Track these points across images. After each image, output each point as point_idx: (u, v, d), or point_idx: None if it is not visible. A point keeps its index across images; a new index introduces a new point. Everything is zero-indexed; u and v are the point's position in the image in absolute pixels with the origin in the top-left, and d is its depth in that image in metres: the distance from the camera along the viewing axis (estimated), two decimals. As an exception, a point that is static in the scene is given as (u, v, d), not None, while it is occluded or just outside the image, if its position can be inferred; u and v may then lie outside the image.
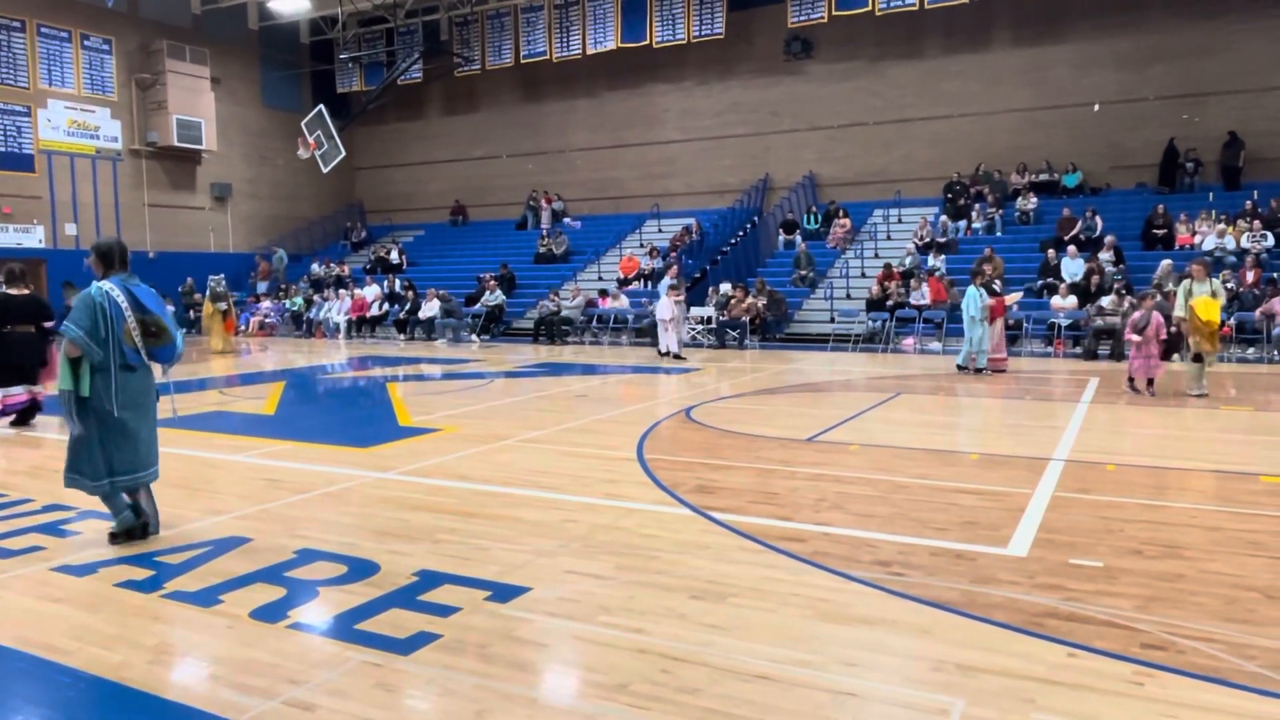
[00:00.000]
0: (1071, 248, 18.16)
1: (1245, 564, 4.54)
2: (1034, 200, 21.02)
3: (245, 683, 3.32)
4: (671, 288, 16.15)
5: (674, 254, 22.39)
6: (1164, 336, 10.68)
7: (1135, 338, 10.54)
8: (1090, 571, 4.43)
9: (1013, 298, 15.35)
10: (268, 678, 3.36)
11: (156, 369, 5.26)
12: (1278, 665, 3.36)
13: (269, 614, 3.99)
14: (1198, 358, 10.45)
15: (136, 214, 25.48)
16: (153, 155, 25.66)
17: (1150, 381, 10.63)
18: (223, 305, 18.97)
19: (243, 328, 23.86)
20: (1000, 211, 21.05)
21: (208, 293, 19.28)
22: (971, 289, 13.34)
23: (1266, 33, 19.33)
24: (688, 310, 18.05)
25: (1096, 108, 21.12)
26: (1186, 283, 10.87)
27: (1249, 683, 3.22)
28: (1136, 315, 10.72)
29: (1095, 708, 3.05)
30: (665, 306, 15.98)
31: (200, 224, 27.27)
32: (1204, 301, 10.37)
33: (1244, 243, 17.35)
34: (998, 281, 14.72)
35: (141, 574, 4.54)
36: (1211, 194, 19.62)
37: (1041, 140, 21.84)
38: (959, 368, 13.48)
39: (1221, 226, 17.89)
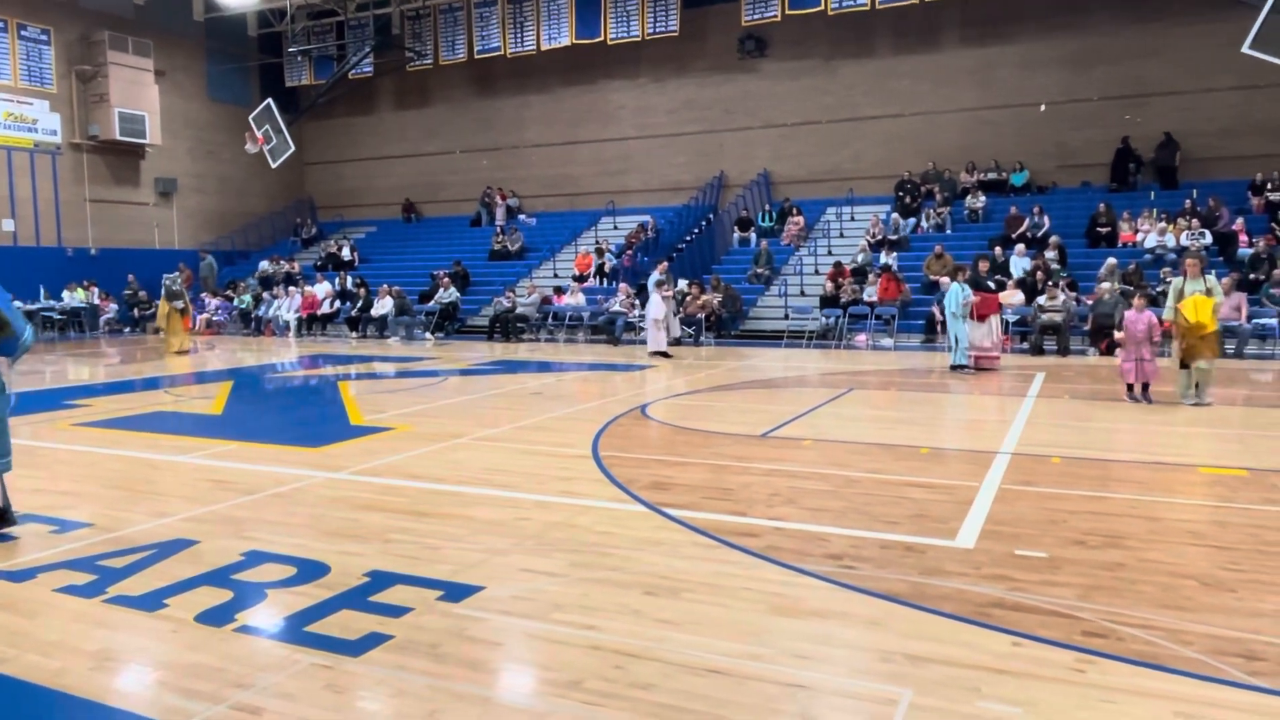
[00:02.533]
0: (1019, 245, 18.52)
1: (1183, 553, 4.68)
2: (982, 198, 21.39)
3: (190, 687, 3.26)
4: (660, 284, 16.00)
5: (629, 251, 22.41)
6: (1157, 338, 9.90)
7: (1119, 335, 10.01)
8: (1035, 562, 4.53)
9: (1009, 294, 14.56)
10: (214, 682, 3.30)
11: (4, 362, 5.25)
12: (1213, 650, 3.46)
13: (215, 617, 3.91)
14: (1184, 364, 9.53)
15: (77, 209, 24.79)
16: (94, 149, 24.98)
17: (1145, 387, 9.86)
18: (179, 304, 18.49)
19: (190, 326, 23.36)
20: (949, 209, 21.41)
21: (163, 291, 18.76)
22: (955, 285, 13.00)
23: (1204, 36, 19.87)
24: (677, 307, 17.89)
25: (1043, 108, 21.56)
26: (1178, 280, 9.76)
27: (1185, 668, 3.32)
28: (1129, 314, 10.05)
29: (1038, 695, 3.12)
30: (655, 304, 15.78)
31: (144, 220, 26.61)
32: (1194, 301, 9.32)
33: (1183, 240, 17.84)
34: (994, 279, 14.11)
35: (83, 579, 4.42)
36: (1152, 193, 20.15)
37: (990, 139, 22.24)
38: (952, 367, 13.05)
39: (1162, 225, 18.39)
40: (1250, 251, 17.09)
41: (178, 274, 19.45)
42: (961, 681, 3.23)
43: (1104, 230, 19.10)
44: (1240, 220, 18.18)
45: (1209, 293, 9.41)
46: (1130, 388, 9.94)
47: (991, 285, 13.49)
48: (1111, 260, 17.00)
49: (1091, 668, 3.33)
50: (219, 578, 4.42)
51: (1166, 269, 16.90)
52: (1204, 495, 6.01)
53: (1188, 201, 18.84)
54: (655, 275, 16.33)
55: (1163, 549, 4.74)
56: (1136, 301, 10.14)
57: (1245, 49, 16.16)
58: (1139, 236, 18.66)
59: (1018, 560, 4.56)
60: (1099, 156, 21.19)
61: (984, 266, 13.79)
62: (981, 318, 13.04)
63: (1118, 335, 9.85)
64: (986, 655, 3.45)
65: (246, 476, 6.68)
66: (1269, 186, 19.01)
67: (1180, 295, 9.55)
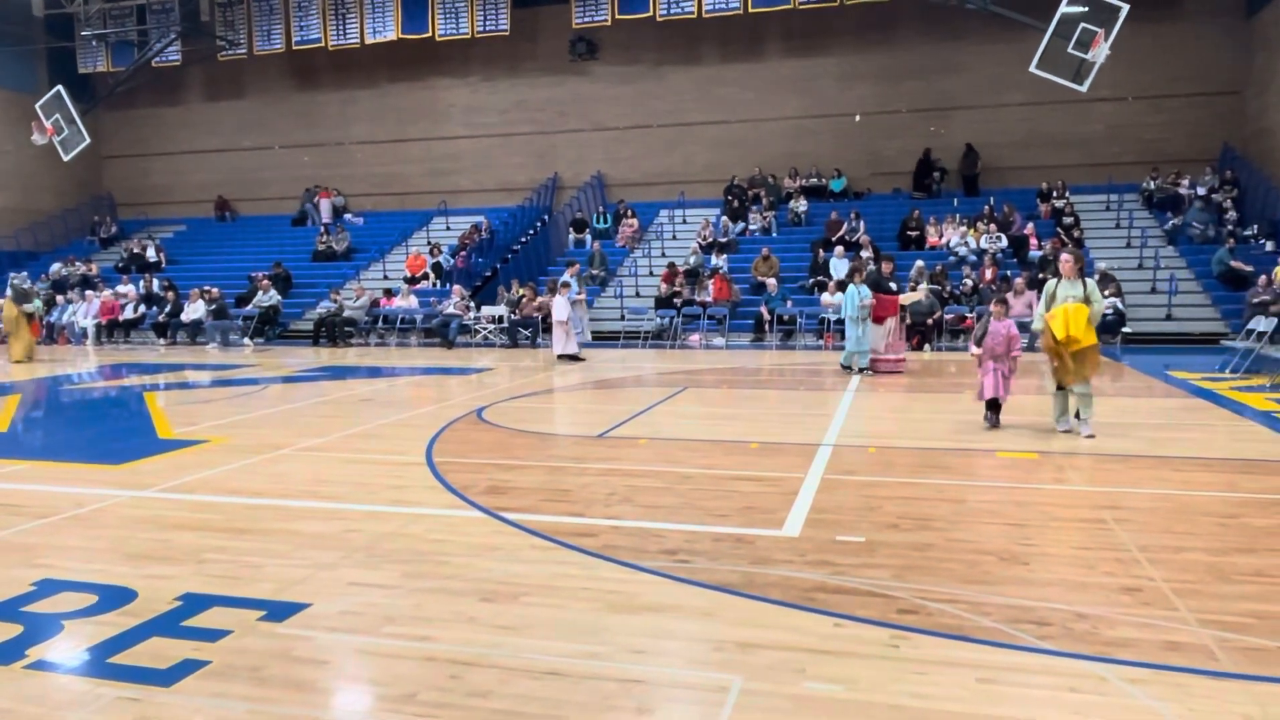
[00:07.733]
0: (839, 248, 19.53)
1: (984, 531, 5.08)
2: (804, 203, 22.44)
3: (-29, 735, 2.95)
4: (565, 285, 15.70)
5: (463, 252, 22.03)
6: (1016, 353, 8.24)
7: (975, 351, 8.36)
8: (854, 547, 4.79)
9: (910, 296, 14.04)
10: (-1, 727, 2.99)
11: None
12: (1009, 619, 3.77)
13: (3, 655, 3.55)
14: (1060, 385, 8.01)
15: None
16: None
17: (997, 407, 8.35)
18: (29, 306, 16.44)
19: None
20: (774, 213, 22.32)
21: (9, 292, 16.58)
22: (851, 287, 12.68)
23: (998, 55, 21.63)
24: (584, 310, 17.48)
25: (858, 118, 22.85)
26: (1051, 283, 7.99)
27: (986, 636, 3.61)
28: (977, 327, 8.59)
29: (858, 672, 3.31)
30: (561, 306, 15.42)
31: (-89, 216, 23.82)
32: (1064, 311, 7.63)
33: (983, 243, 19.38)
34: (895, 281, 13.41)
35: None
36: (956, 199, 21.78)
37: (811, 147, 23.36)
38: (842, 367, 12.95)
39: (964, 229, 19.91)
40: (1040, 254, 18.75)
41: (25, 274, 17.47)
42: (788, 664, 3.37)
43: (914, 234, 20.46)
44: (1031, 225, 19.95)
45: (1087, 300, 7.69)
46: (989, 408, 8.39)
47: (893, 287, 12.87)
48: (920, 262, 18.22)
49: (905, 643, 3.56)
50: (7, 611, 4.01)
51: (967, 268, 18.34)
52: (1002, 477, 6.54)
53: (986, 207, 20.51)
54: (565, 277, 16.08)
55: (966, 528, 5.12)
56: (995, 308, 8.41)
57: (1032, 69, 17.73)
58: (943, 240, 20.12)
59: (839, 546, 4.80)
60: (909, 165, 22.69)
61: (887, 268, 13.10)
62: (879, 320, 12.62)
63: (974, 351, 8.40)
64: (811, 637, 3.62)
65: (38, 499, 6.10)
66: (1054, 194, 20.95)
67: (1051, 301, 7.87)
